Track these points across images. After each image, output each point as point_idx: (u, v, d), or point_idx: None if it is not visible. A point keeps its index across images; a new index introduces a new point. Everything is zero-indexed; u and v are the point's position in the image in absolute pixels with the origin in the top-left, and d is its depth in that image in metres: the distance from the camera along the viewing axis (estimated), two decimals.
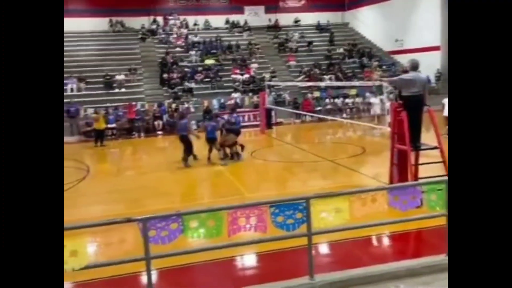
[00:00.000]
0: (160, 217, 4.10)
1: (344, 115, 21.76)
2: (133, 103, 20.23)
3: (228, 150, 12.65)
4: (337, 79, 23.55)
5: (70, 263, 3.89)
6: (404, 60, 22.71)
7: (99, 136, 16.90)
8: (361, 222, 4.65)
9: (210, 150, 12.47)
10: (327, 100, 22.69)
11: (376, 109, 18.21)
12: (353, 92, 23.04)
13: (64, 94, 21.29)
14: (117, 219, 4.03)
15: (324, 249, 6.02)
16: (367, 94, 21.75)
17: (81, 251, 3.91)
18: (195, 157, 12.38)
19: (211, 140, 12.49)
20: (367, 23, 29.86)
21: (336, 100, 22.67)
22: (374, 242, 6.29)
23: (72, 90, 21.64)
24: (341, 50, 27.63)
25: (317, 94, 23.08)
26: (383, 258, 5.53)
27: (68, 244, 3.85)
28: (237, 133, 13.01)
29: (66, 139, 18.72)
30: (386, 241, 6.45)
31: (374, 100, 19.57)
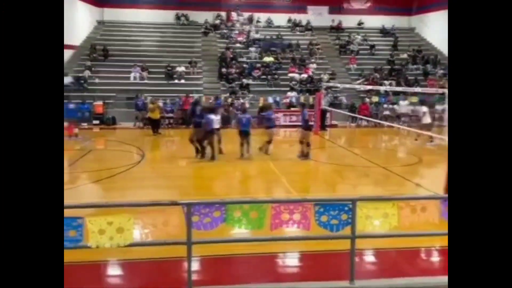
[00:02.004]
0: (204, 203, 4.15)
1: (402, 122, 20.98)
2: (190, 95, 20.69)
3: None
4: (398, 85, 22.75)
5: (116, 239, 4.04)
6: None
7: (153, 124, 17.48)
8: (410, 231, 4.44)
9: (242, 144, 12.49)
10: (385, 106, 22.00)
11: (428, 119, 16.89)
12: (414, 99, 22.17)
13: (128, 82, 22.35)
14: (163, 201, 4.14)
15: (367, 254, 5.83)
16: (401, 102, 20.79)
17: (127, 229, 4.05)
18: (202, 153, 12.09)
19: (244, 134, 12.36)
20: (434, 29, 28.54)
21: (395, 106, 21.92)
22: (421, 253, 6.00)
23: (135, 78, 22.59)
24: (405, 55, 26.67)
25: (375, 99, 22.45)
26: (429, 271, 5.27)
27: (115, 221, 4.01)
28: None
29: (127, 124, 19.63)
30: (434, 254, 6.13)
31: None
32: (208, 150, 12.19)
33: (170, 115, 19.89)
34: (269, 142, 12.94)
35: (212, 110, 12.58)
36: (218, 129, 12.57)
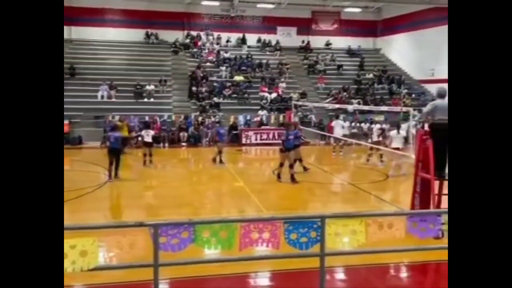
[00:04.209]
0: (172, 224, 4.06)
1: (370, 140, 21.45)
2: (157, 118, 20.38)
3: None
4: (365, 104, 23.37)
5: (79, 263, 3.88)
6: (434, 89, 22.34)
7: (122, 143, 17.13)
8: (378, 247, 4.49)
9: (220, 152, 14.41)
10: (353, 124, 22.46)
11: (339, 131, 17.41)
12: (380, 118, 22.77)
13: (95, 100, 21.95)
14: (129, 223, 4.03)
15: (337, 272, 5.84)
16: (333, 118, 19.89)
17: (91, 252, 3.90)
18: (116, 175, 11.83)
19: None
20: (399, 50, 29.64)
21: (362, 124, 22.42)
22: (390, 270, 6.07)
23: (102, 97, 22.23)
24: (371, 75, 27.49)
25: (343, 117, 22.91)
26: (399, 287, 5.32)
27: (79, 244, 3.86)
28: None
29: (93, 144, 19.17)
30: (403, 270, 6.21)
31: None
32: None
33: (139, 133, 19.58)
34: (291, 164, 11.85)
35: (114, 128, 12.66)
36: (151, 144, 14.66)
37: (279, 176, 11.93)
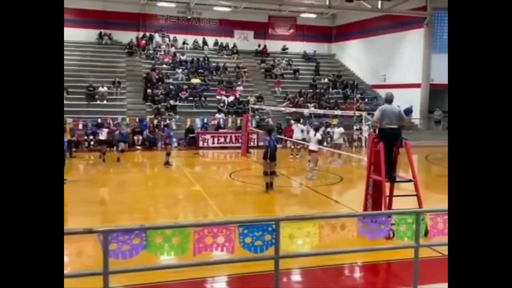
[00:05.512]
0: (123, 230, 3.94)
1: (325, 143, 21.88)
2: (110, 121, 19.75)
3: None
4: (321, 108, 23.85)
5: None
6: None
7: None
8: (331, 249, 4.57)
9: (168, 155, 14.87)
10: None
11: (299, 135, 17.75)
12: (334, 121, 23.31)
13: None
14: (77, 229, 3.86)
15: (292, 274, 5.89)
16: (292, 121, 19.61)
17: None
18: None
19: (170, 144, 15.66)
20: (352, 56, 30.53)
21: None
22: (344, 270, 6.20)
23: None
24: (326, 80, 28.10)
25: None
26: (353, 287, 5.43)
27: None
28: None
29: None
30: (356, 271, 6.36)
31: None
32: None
33: (91, 138, 18.96)
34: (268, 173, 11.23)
35: None
36: (105, 141, 16.05)
37: (271, 186, 11.12)
